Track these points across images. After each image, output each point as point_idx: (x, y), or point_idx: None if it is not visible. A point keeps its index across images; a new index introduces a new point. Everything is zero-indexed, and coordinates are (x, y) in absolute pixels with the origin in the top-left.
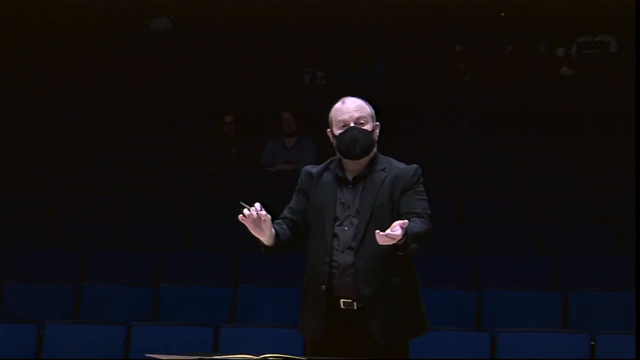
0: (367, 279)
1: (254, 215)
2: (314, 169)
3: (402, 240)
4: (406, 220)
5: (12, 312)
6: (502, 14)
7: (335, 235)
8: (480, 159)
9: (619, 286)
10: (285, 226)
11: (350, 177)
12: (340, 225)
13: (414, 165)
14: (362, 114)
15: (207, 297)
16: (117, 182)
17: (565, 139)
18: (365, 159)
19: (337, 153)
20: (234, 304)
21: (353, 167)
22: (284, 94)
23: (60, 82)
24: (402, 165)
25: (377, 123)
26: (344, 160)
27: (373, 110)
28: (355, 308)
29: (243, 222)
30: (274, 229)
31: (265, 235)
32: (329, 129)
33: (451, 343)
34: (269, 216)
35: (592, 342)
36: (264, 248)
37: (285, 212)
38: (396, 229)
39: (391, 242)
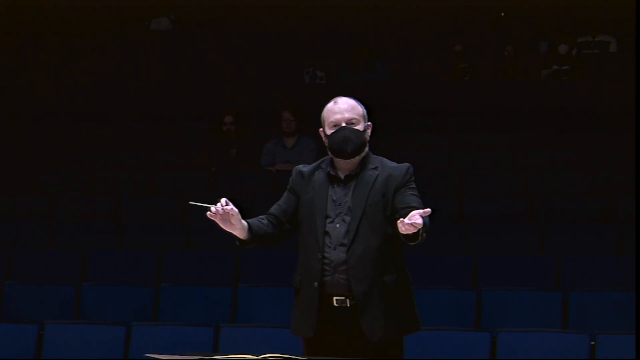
0: (359, 276)
1: (220, 211)
2: (305, 168)
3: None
4: (428, 209)
5: (12, 312)
6: (502, 14)
7: (326, 232)
8: (480, 159)
9: (619, 286)
10: (267, 222)
11: (342, 176)
12: (332, 222)
13: (406, 163)
14: (354, 115)
15: (207, 297)
16: (117, 182)
17: (565, 138)
18: (357, 158)
19: (329, 152)
20: (234, 304)
21: (345, 166)
22: (284, 94)
23: (60, 82)
24: (393, 163)
25: (369, 123)
26: (336, 160)
27: (365, 111)
28: (348, 305)
29: (212, 218)
30: (248, 223)
31: (236, 229)
32: (321, 129)
33: (451, 343)
34: (236, 210)
35: (592, 342)
36: (238, 242)
37: (272, 209)
38: (416, 218)
39: (414, 231)
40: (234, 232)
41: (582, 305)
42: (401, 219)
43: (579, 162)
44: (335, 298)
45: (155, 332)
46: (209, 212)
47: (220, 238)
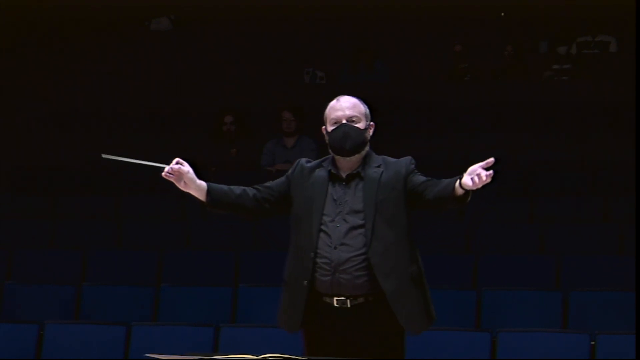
0: (386, 272)
1: (169, 170)
2: (308, 163)
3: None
4: (491, 159)
5: (12, 312)
6: (502, 14)
7: (325, 232)
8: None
9: (619, 286)
10: (241, 192)
11: (343, 175)
12: (332, 221)
13: (407, 156)
14: (355, 113)
15: (207, 297)
16: (117, 182)
17: (566, 138)
18: (358, 157)
19: (329, 150)
20: (234, 304)
21: (346, 164)
22: (284, 94)
23: (60, 81)
24: (394, 159)
25: (372, 123)
26: (337, 158)
27: (368, 110)
28: (349, 306)
29: (167, 178)
30: (209, 186)
31: (191, 189)
32: (323, 127)
33: (451, 343)
34: (186, 169)
35: (592, 342)
36: (200, 204)
37: (260, 184)
38: (481, 170)
39: (487, 182)
40: (190, 192)
41: (582, 305)
42: (471, 177)
43: (579, 162)
44: (335, 299)
45: (155, 332)
46: (163, 173)
47: (220, 238)
